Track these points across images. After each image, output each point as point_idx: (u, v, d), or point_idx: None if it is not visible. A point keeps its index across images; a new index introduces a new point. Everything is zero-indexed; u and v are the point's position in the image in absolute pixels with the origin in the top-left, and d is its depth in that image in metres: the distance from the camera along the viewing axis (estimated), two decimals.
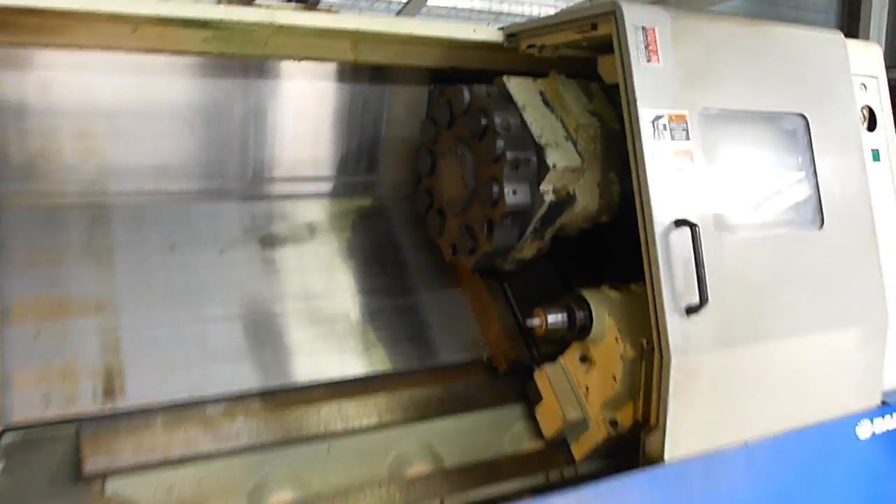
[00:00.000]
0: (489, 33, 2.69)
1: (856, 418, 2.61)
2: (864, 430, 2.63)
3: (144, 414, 2.32)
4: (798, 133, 2.55)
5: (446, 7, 9.02)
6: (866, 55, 2.87)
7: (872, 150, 2.83)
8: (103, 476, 2.22)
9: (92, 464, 2.20)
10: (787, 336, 2.40)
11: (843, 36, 2.71)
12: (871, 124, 2.85)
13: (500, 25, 2.75)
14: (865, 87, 2.84)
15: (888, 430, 2.67)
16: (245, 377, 2.49)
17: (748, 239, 2.36)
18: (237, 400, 2.47)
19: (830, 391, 2.55)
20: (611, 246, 2.71)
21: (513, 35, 2.65)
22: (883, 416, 2.66)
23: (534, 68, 2.71)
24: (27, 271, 2.40)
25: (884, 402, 2.68)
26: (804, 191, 2.55)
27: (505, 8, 9.13)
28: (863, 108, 2.81)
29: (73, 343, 2.34)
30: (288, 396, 2.54)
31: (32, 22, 2.22)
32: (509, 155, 2.34)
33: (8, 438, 2.15)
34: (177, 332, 2.45)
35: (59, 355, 2.30)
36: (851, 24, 11.19)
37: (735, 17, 2.84)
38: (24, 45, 2.37)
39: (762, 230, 2.41)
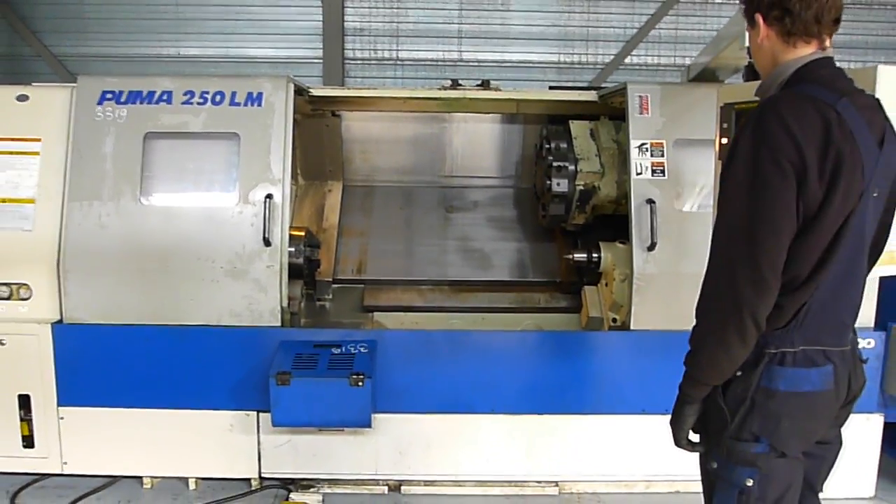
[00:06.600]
0: (589, 95, 4.59)
1: None
2: None
3: (391, 284, 4.76)
4: None
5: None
6: None
7: None
8: (372, 310, 4.68)
9: (367, 302, 4.70)
10: None
11: None
12: None
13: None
14: None
15: None
16: (436, 272, 4.80)
17: (693, 212, 4.05)
18: (435, 283, 4.79)
19: None
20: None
21: (602, 96, 4.52)
22: None
23: (607, 113, 4.61)
24: (345, 213, 5.02)
25: None
26: None
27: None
28: None
29: (349, 247, 4.89)
30: (460, 285, 4.78)
31: (359, 100, 4.80)
32: (555, 163, 4.34)
33: (336, 286, 4.74)
34: (398, 247, 4.91)
35: (347, 251, 4.87)
36: None
37: (712, 85, 4.39)
38: (352, 109, 4.99)
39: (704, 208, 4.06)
